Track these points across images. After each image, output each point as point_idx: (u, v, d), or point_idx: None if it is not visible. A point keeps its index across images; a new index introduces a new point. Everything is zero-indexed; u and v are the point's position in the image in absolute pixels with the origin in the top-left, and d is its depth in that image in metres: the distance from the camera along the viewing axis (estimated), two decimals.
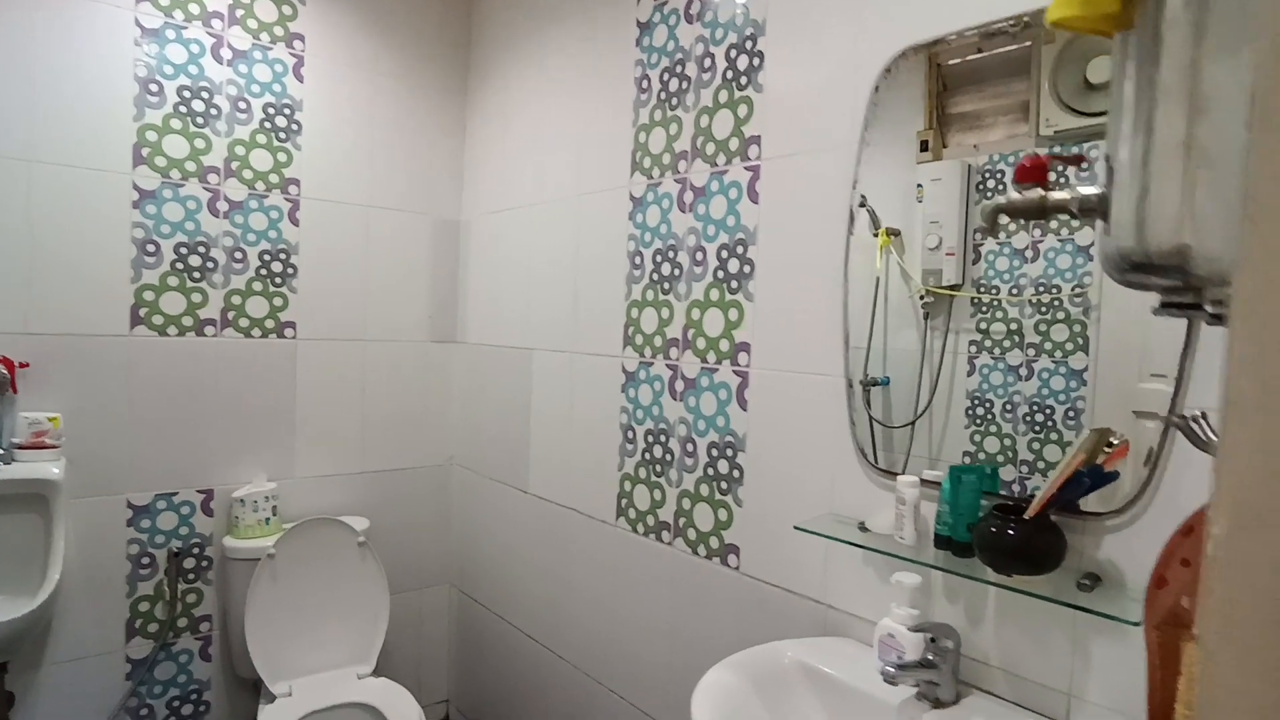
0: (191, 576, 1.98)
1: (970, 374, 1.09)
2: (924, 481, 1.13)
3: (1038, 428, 1.01)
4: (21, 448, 1.71)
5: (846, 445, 1.27)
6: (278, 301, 2.07)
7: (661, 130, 1.65)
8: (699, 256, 1.55)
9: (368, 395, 2.25)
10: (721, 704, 1.08)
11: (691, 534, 1.55)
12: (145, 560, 1.91)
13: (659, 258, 1.65)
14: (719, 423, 1.49)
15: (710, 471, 1.51)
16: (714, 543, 1.50)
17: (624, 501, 1.73)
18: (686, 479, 1.57)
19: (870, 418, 1.25)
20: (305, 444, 2.14)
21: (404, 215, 2.31)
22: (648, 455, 1.66)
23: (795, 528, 1.23)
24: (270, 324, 2.06)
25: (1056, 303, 0.99)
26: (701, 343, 1.54)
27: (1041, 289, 1.00)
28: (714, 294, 1.52)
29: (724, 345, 1.49)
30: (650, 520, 1.66)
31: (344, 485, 2.21)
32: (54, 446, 1.74)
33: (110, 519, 1.86)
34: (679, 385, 1.59)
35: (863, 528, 1.21)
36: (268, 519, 1.98)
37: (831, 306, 1.29)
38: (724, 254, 1.50)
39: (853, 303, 1.26)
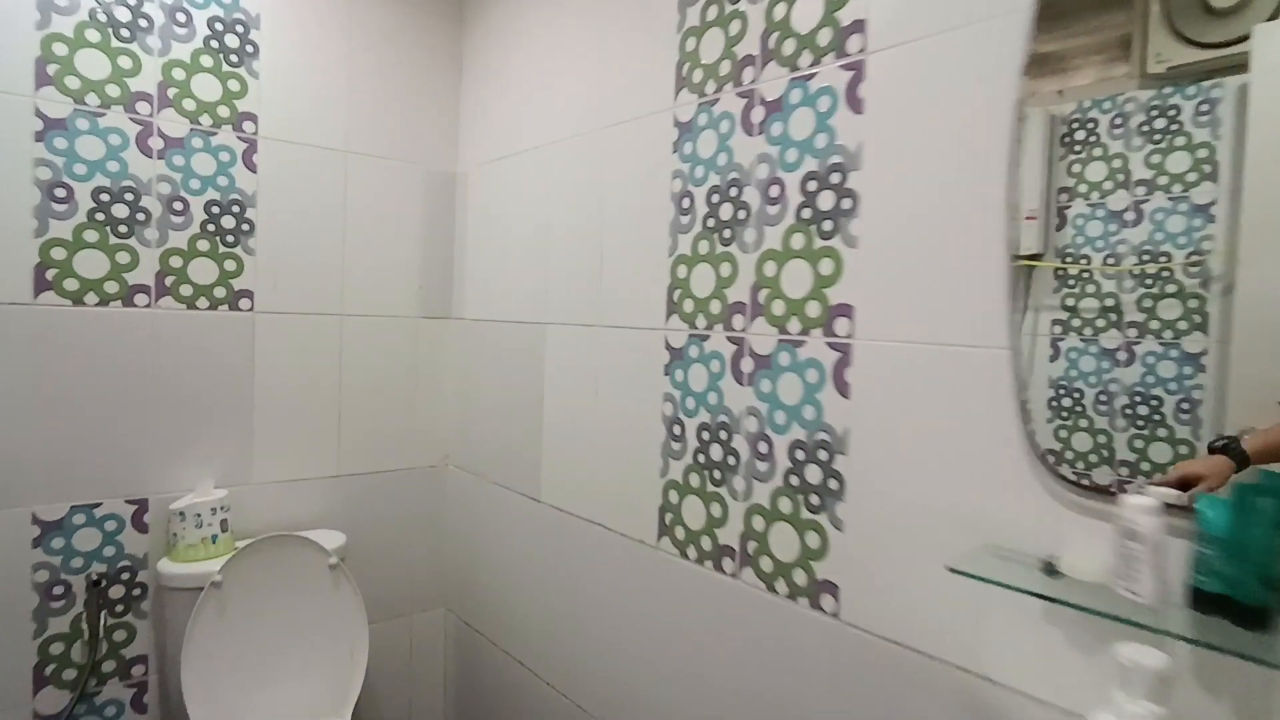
0: (120, 609, 1.58)
1: (1054, 359, 0.88)
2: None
3: (1141, 422, 0.82)
4: None
5: (1013, 447, 0.87)
6: (230, 265, 1.67)
7: (718, 31, 1.25)
8: (774, 192, 1.15)
9: (344, 382, 1.85)
10: None
11: (766, 564, 1.16)
12: (58, 591, 1.51)
13: (716, 197, 1.25)
14: (806, 414, 1.09)
15: (794, 481, 1.11)
16: (799, 577, 1.11)
17: (669, 517, 1.33)
18: (758, 490, 1.17)
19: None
20: (266, 442, 1.74)
21: (390, 165, 1.90)
22: (702, 457, 1.27)
23: (950, 570, 0.83)
24: (220, 293, 1.66)
25: (1166, 274, 0.81)
26: (779, 307, 1.14)
27: (1146, 257, 0.82)
28: (797, 240, 1.11)
29: (812, 310, 1.09)
30: (706, 543, 1.26)
31: (314, 493, 1.81)
32: None
33: (9, 538, 1.46)
34: (746, 365, 1.19)
35: (1051, 570, 0.81)
36: (215, 536, 1.58)
37: (988, 242, 0.89)
38: (811, 186, 1.09)
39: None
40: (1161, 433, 0.81)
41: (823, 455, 1.07)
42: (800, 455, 1.10)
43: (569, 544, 1.58)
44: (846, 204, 1.05)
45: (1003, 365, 0.88)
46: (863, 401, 1.02)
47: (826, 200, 1.07)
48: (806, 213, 1.10)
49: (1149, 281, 0.83)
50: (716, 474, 1.24)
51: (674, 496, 1.32)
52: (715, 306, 1.24)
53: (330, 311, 1.82)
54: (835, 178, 1.06)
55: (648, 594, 1.37)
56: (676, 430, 1.31)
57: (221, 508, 1.60)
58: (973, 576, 0.82)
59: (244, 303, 1.69)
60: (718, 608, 1.24)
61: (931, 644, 0.95)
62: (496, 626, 1.84)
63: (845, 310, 1.05)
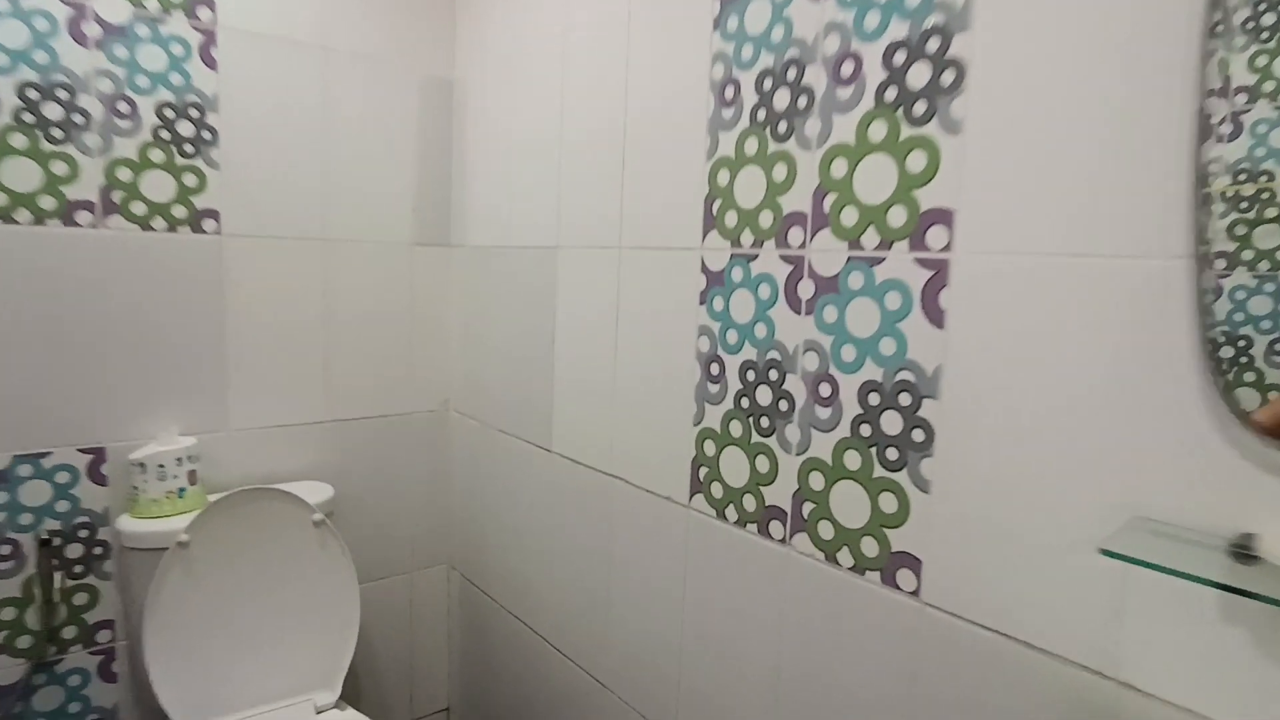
0: (79, 570, 1.41)
1: (1214, 299, 0.64)
2: None
3: None
4: None
5: (1183, 390, 0.65)
6: (190, 180, 1.44)
7: None
8: (847, 70, 0.91)
9: (330, 317, 1.63)
10: None
11: (825, 529, 0.96)
12: (3, 551, 1.34)
13: (769, 83, 1.00)
14: (884, 349, 0.88)
15: (865, 431, 0.90)
16: (869, 547, 0.91)
17: (704, 472, 1.13)
18: (818, 441, 0.96)
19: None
20: (242, 384, 1.53)
21: (376, 67, 1.65)
22: (746, 401, 1.05)
23: (1103, 552, 0.62)
24: (180, 212, 1.44)
25: None
26: (850, 215, 0.91)
27: None
28: (876, 130, 0.88)
29: (896, 217, 0.86)
30: (749, 503, 1.06)
31: (298, 440, 1.62)
32: None
33: None
34: (805, 289, 0.97)
35: (1242, 553, 0.61)
36: (182, 490, 1.39)
37: (1165, 113, 0.66)
38: (898, 58, 0.85)
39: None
40: None
41: (905, 400, 0.86)
42: (875, 400, 0.89)
43: (585, 500, 1.38)
44: (948, 78, 0.81)
45: (1177, 281, 0.65)
46: (963, 332, 0.80)
47: (919, 75, 0.83)
48: (891, 93, 0.86)
49: None
50: (764, 421, 1.03)
51: (710, 448, 1.11)
52: (766, 219, 1.01)
53: (311, 236, 1.60)
54: (933, 44, 0.82)
55: (677, 559, 1.18)
56: (714, 370, 1.10)
57: (189, 458, 1.40)
58: (1138, 562, 0.61)
59: (209, 224, 1.47)
60: (762, 578, 1.04)
61: (1049, 638, 0.75)
62: (505, 588, 1.66)
63: (942, 216, 0.82)
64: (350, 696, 1.74)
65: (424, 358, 1.79)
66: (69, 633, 1.41)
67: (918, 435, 0.85)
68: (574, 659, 1.44)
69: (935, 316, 0.83)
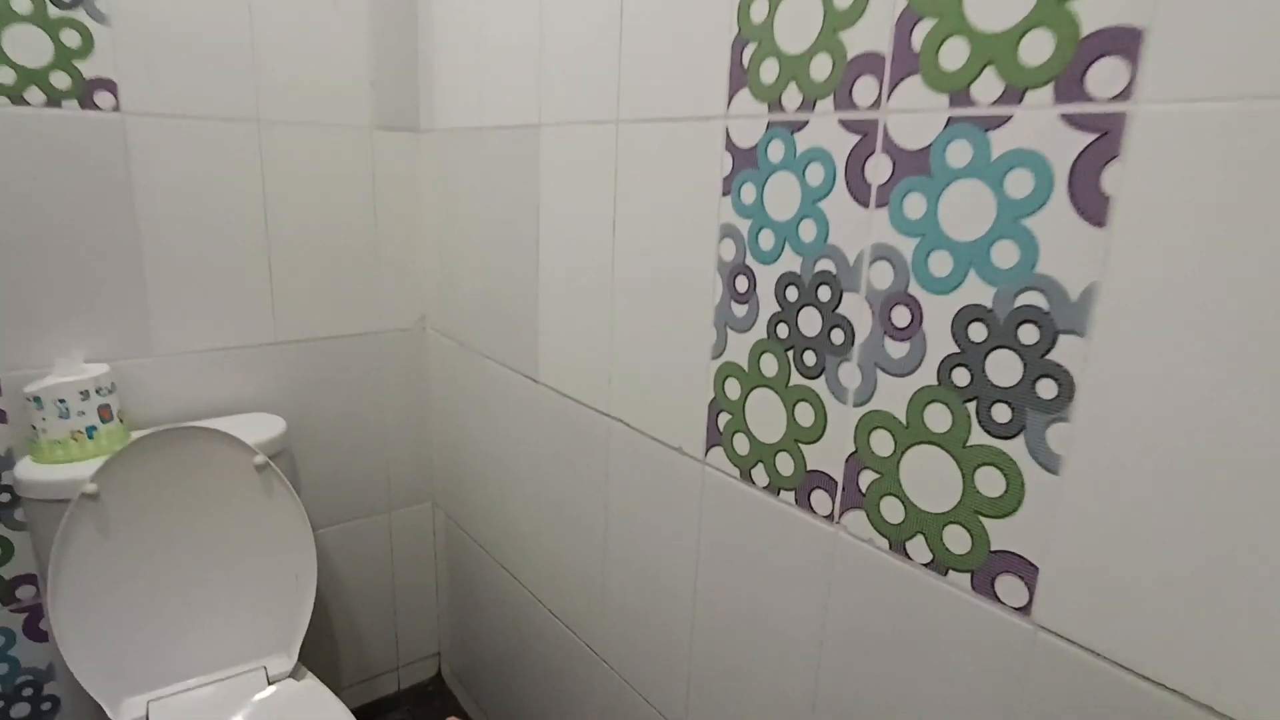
0: None
1: None
2: None
3: None
4: None
5: None
6: (70, 38, 1.13)
7: None
8: None
9: (274, 218, 1.35)
10: None
11: (892, 510, 0.69)
12: None
13: None
14: (998, 257, 0.58)
15: (961, 378, 0.62)
16: (957, 541, 0.64)
17: (725, 419, 0.86)
18: (888, 388, 0.68)
19: None
20: (165, 299, 1.27)
21: None
22: (784, 329, 0.77)
23: None
24: (62, 82, 1.14)
25: None
26: (956, 53, 0.59)
27: None
28: None
29: (1035, 48, 0.55)
30: (785, 464, 0.79)
31: (243, 366, 1.37)
32: None
33: None
34: (878, 169, 0.66)
35: None
36: (91, 429, 1.16)
37: None
38: None
39: None
40: None
41: (1030, 335, 0.57)
42: (979, 333, 0.60)
43: (578, 442, 1.13)
44: None
45: None
46: (1135, 232, 0.51)
47: None
48: None
49: None
50: (808, 357, 0.75)
51: (733, 389, 0.84)
52: (821, 67, 0.70)
53: (242, 116, 1.29)
54: None
55: (689, 524, 0.93)
56: (740, 285, 0.81)
57: (98, 390, 1.16)
58: None
59: (103, 98, 1.17)
60: (800, 562, 0.79)
61: (1239, 701, 0.49)
62: (491, 533, 1.45)
63: (1114, 42, 0.51)
64: (326, 650, 1.57)
65: (393, 267, 1.51)
66: None
67: (1046, 389, 0.57)
68: (566, 623, 1.22)
69: (1092, 207, 0.53)
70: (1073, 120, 0.53)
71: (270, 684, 1.18)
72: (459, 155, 1.37)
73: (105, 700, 1.09)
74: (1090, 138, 0.52)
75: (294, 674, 1.21)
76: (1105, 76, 0.51)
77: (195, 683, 1.16)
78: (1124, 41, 0.50)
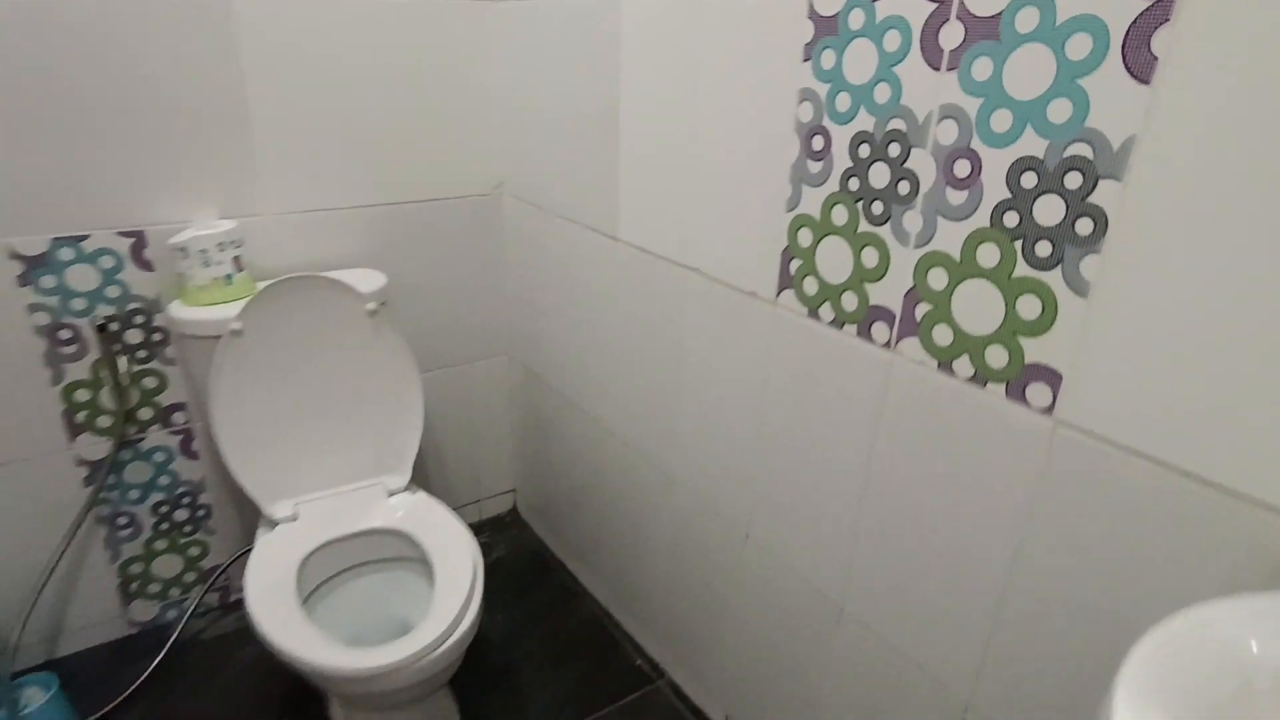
0: (142, 355, 1.39)
1: None
2: None
3: None
4: None
5: None
6: None
7: None
8: None
9: (366, 84, 1.45)
10: None
11: (942, 334, 0.83)
12: (65, 335, 1.31)
13: None
14: (1053, 114, 0.68)
15: (1010, 220, 0.74)
16: (996, 358, 0.78)
17: (796, 265, 0.99)
18: (946, 231, 0.80)
19: None
20: (271, 163, 1.40)
21: None
22: (855, 183, 0.88)
23: None
24: None
25: None
26: None
27: None
28: None
29: None
30: (850, 301, 0.92)
31: (343, 225, 1.51)
32: None
33: None
34: (950, 36, 0.75)
35: None
36: (229, 276, 1.32)
37: None
38: None
39: None
40: None
41: (1074, 181, 0.68)
42: (1031, 181, 0.71)
43: (655, 293, 1.27)
44: None
45: None
46: (1177, 89, 0.60)
47: None
48: None
49: None
50: (876, 207, 0.86)
51: (806, 237, 0.96)
52: None
53: None
54: None
55: (758, 360, 1.08)
56: (817, 144, 0.92)
57: (231, 243, 1.31)
58: None
59: None
60: (861, 386, 0.94)
61: (1219, 469, 0.63)
62: (567, 378, 1.62)
63: None
64: (418, 481, 1.79)
65: (472, 134, 1.61)
66: (145, 414, 1.43)
67: (1083, 226, 0.68)
68: (640, 451, 1.41)
69: (1140, 66, 0.62)
70: None
71: (390, 496, 1.40)
72: (537, 20, 1.43)
73: (262, 502, 1.31)
74: (1147, 3, 0.61)
75: (408, 489, 1.42)
76: None
77: (330, 492, 1.39)
78: None
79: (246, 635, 1.57)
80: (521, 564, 1.84)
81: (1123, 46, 0.63)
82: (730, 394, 1.15)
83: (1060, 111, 0.68)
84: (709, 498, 1.26)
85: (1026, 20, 0.68)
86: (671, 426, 1.30)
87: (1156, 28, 0.61)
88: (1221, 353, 0.61)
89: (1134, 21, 0.62)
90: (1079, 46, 0.65)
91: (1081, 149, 0.67)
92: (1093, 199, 0.67)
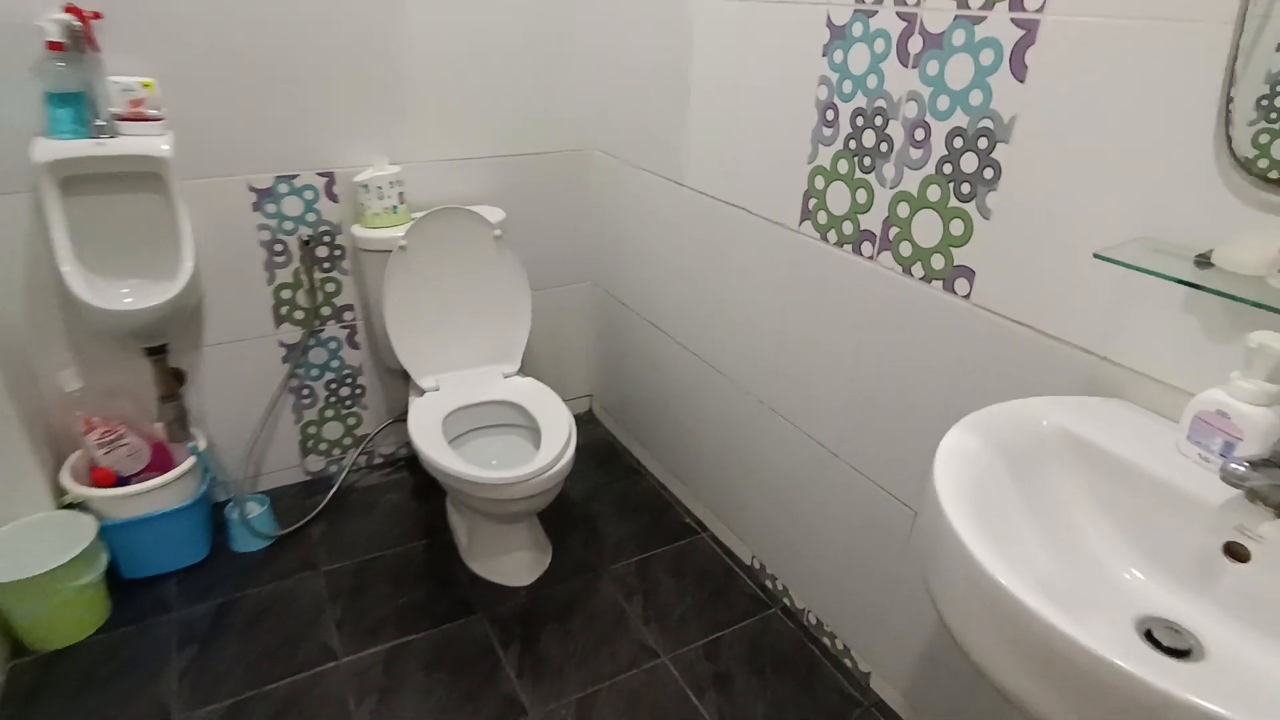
0: (327, 266, 1.87)
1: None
2: None
3: None
4: (122, 119, 1.50)
5: (1201, 140, 0.83)
6: None
7: None
8: None
9: (489, 62, 1.87)
10: (964, 477, 0.83)
11: (905, 249, 1.21)
12: (278, 248, 1.79)
13: None
14: (972, 100, 1.06)
15: (947, 169, 1.12)
16: (937, 262, 1.16)
17: (813, 202, 1.38)
18: (908, 177, 1.18)
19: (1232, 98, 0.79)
20: (423, 120, 1.84)
21: None
22: (854, 144, 1.26)
23: (1096, 256, 0.86)
24: None
25: None
26: None
27: None
28: None
29: None
30: (847, 228, 1.31)
31: (472, 171, 1.95)
32: (156, 118, 1.53)
33: (235, 203, 1.71)
34: (915, 44, 1.12)
35: (1203, 262, 0.83)
36: (395, 207, 1.78)
37: None
38: None
39: None
40: None
41: (983, 144, 1.06)
42: (958, 143, 1.09)
43: (711, 226, 1.67)
44: None
45: (1219, 41, 0.80)
46: (1039, 86, 0.98)
47: None
48: None
49: None
50: (866, 161, 1.25)
51: (820, 182, 1.35)
52: None
53: None
54: None
55: (786, 274, 1.48)
56: (829, 115, 1.30)
57: (397, 181, 1.77)
58: (1119, 263, 0.85)
59: None
60: (854, 288, 1.33)
61: (1061, 328, 1.01)
62: (638, 298, 2.04)
63: None
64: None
65: (568, 100, 2.01)
66: (326, 311, 1.91)
67: (988, 173, 1.06)
68: (693, 349, 1.83)
69: (1019, 72, 0.99)
70: (1016, 21, 0.98)
71: (504, 378, 1.85)
72: (624, 9, 1.82)
73: (415, 375, 1.78)
74: (1022, 32, 0.98)
75: (518, 373, 1.87)
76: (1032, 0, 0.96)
77: (462, 371, 1.85)
78: None
79: (387, 487, 2.08)
80: (596, 450, 2.29)
81: (1009, 58, 1.00)
82: (762, 301, 1.55)
83: (976, 98, 1.05)
84: (743, 382, 1.67)
85: (958, 38, 1.06)
86: (719, 330, 1.72)
87: (1028, 48, 0.98)
88: (1053, 254, 0.99)
89: (1016, 42, 0.99)
90: (987, 56, 1.03)
91: (987, 123, 1.04)
92: (993, 155, 1.05)
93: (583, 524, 1.97)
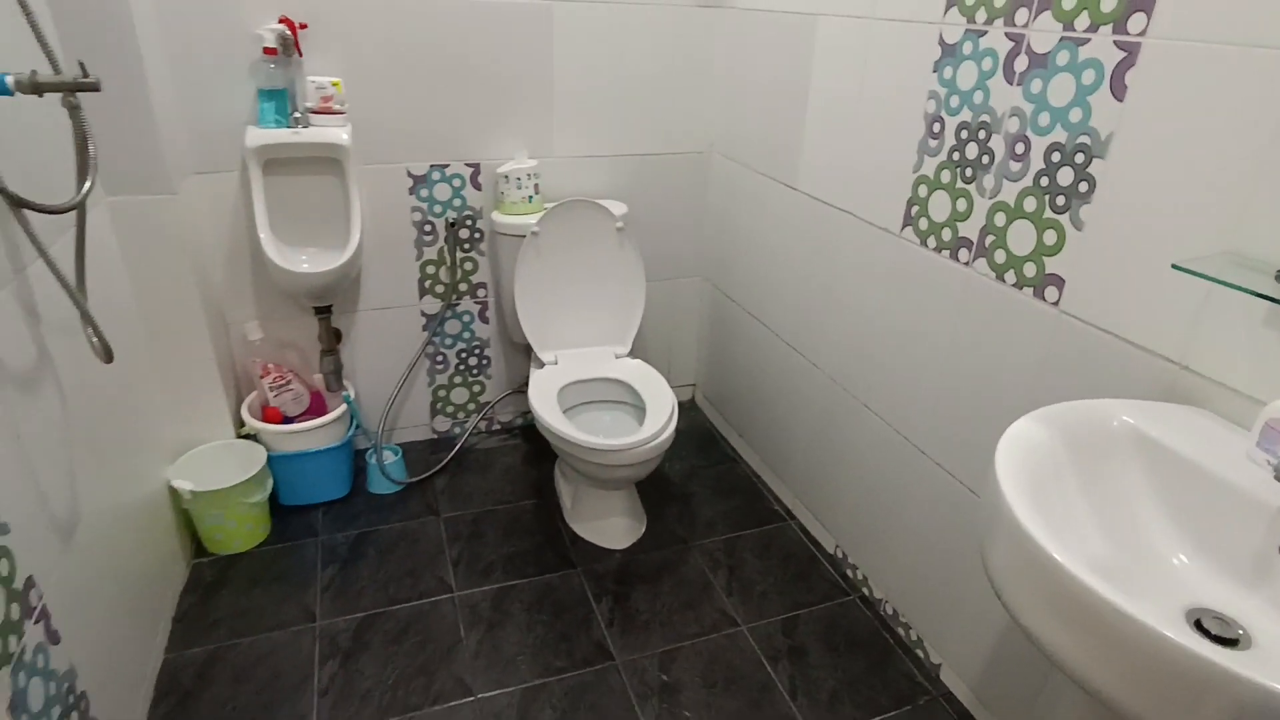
0: (466, 246, 2.10)
1: None
2: None
3: None
4: (314, 112, 1.77)
5: None
6: None
7: None
8: None
9: (626, 69, 2.04)
10: (1026, 462, 0.91)
11: (1000, 256, 1.28)
12: (427, 228, 2.03)
13: None
14: (1072, 117, 1.12)
15: (1044, 182, 1.18)
16: (1029, 270, 1.22)
17: (915, 209, 1.46)
18: (1007, 188, 1.25)
19: None
20: (563, 121, 2.04)
21: None
22: (957, 155, 1.34)
23: (1174, 267, 0.92)
24: None
25: None
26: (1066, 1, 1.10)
27: None
28: None
29: (1108, 2, 1.05)
30: (947, 234, 1.39)
31: (601, 168, 2.13)
32: (339, 112, 1.79)
33: (394, 186, 1.96)
34: (1020, 63, 1.19)
35: None
36: (530, 196, 1.98)
37: None
38: None
39: None
40: None
41: (1079, 159, 1.11)
42: (1056, 157, 1.15)
43: (819, 229, 1.77)
44: None
45: None
46: (1137, 105, 1.03)
47: None
48: None
49: None
50: (968, 172, 1.32)
51: (923, 190, 1.43)
52: (999, 1, 1.22)
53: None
54: None
55: (885, 276, 1.56)
56: (936, 128, 1.38)
57: (534, 174, 1.97)
58: (1195, 274, 0.90)
59: None
60: (950, 292, 1.40)
61: (1144, 336, 1.06)
62: (747, 295, 2.16)
63: (1144, 3, 1.00)
64: None
65: (694, 107, 2.16)
66: (463, 287, 2.15)
67: (1083, 187, 1.12)
68: (794, 345, 1.93)
69: (1119, 92, 1.05)
70: (1118, 44, 1.04)
71: (616, 358, 2.02)
72: (750, 27, 1.94)
73: (538, 349, 1.98)
74: (1124, 54, 1.04)
75: (629, 355, 2.04)
76: (1136, 22, 1.02)
77: (578, 350, 2.03)
78: (1146, 4, 1.00)
79: (502, 451, 2.29)
80: (696, 436, 2.43)
81: (1110, 78, 1.06)
82: (862, 301, 1.64)
83: (1076, 115, 1.11)
84: (840, 378, 1.76)
85: (1063, 58, 1.12)
86: (820, 328, 1.81)
87: (1128, 69, 1.03)
88: (1141, 266, 1.04)
89: (1118, 64, 1.05)
90: (1088, 76, 1.09)
91: (1085, 139, 1.10)
92: (1089, 170, 1.10)
93: (679, 501, 2.11)
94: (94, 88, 1.08)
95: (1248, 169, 0.91)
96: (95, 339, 1.16)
